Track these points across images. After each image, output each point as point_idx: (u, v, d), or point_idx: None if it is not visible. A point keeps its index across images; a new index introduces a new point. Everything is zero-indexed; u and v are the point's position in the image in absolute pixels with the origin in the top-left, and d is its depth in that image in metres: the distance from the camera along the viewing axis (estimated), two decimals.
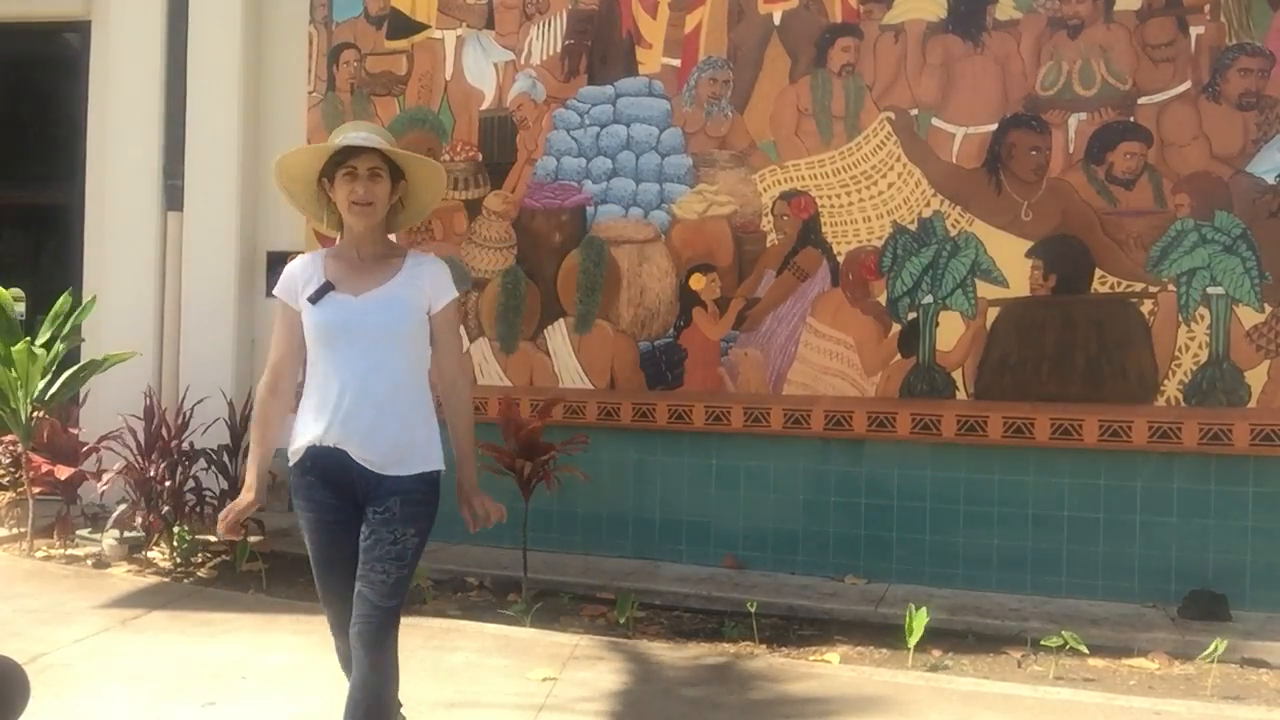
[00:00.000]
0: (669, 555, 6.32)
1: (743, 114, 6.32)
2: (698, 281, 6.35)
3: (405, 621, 4.99)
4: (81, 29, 8.08)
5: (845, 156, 6.14)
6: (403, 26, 7.03)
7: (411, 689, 4.08)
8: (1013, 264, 5.81)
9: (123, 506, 6.18)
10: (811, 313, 6.14)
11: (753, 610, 5.01)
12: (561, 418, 6.15)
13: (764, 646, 4.93)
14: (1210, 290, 5.54)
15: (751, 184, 6.28)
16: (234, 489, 6.36)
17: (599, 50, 6.63)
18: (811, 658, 4.79)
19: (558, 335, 6.62)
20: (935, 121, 5.98)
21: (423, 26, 6.98)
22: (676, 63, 6.47)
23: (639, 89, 6.52)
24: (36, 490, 6.34)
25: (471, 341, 6.78)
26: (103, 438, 6.44)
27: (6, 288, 6.59)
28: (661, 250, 6.42)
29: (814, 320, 6.14)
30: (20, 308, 6.92)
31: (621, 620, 5.10)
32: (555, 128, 6.66)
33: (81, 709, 3.79)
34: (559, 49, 6.69)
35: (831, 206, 6.14)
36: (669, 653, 4.72)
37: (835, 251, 6.12)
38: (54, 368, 6.42)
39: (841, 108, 6.15)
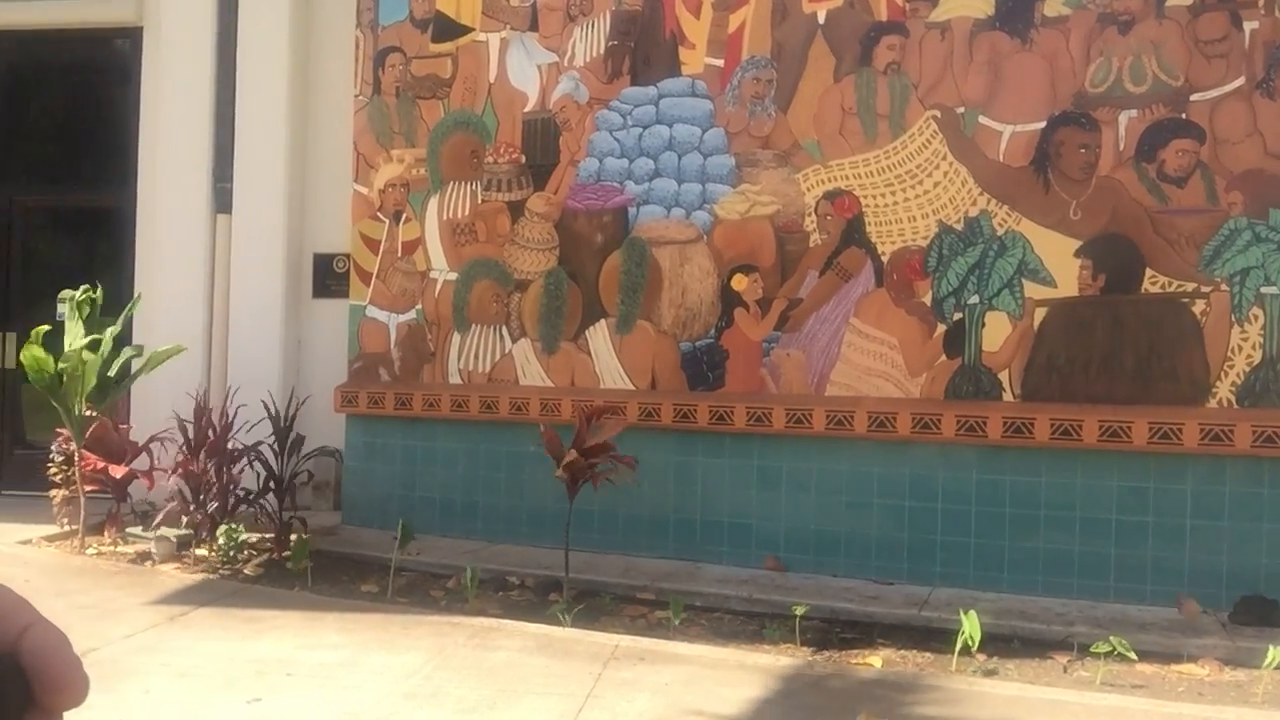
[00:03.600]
0: (710, 556, 6.30)
1: (786, 113, 6.28)
2: (740, 282, 6.32)
3: (447, 620, 5.05)
4: (133, 35, 8.24)
5: (890, 155, 6.08)
6: (447, 29, 7.08)
7: (452, 687, 4.11)
8: (1061, 263, 5.73)
9: (172, 504, 6.28)
10: (855, 313, 6.09)
11: (800, 614, 4.97)
12: (620, 424, 6.15)
13: (806, 649, 4.89)
14: (1264, 290, 5.42)
15: (795, 183, 6.24)
16: (278, 487, 6.45)
17: (642, 51, 6.63)
18: (854, 661, 4.74)
19: (599, 336, 6.63)
20: (982, 119, 5.91)
21: (467, 29, 7.03)
22: (720, 62, 6.45)
23: (682, 89, 6.52)
24: (88, 488, 6.47)
25: (514, 342, 6.81)
26: (152, 437, 6.54)
27: (62, 290, 6.73)
28: (703, 251, 6.41)
29: (857, 321, 6.09)
30: (62, 309, 7.04)
31: (678, 620, 5.08)
32: (598, 129, 6.67)
33: (130, 704, 3.85)
34: (602, 50, 6.70)
35: (876, 206, 6.09)
36: (710, 654, 4.70)
37: (879, 251, 6.07)
38: (107, 367, 6.55)
39: (886, 106, 6.09)
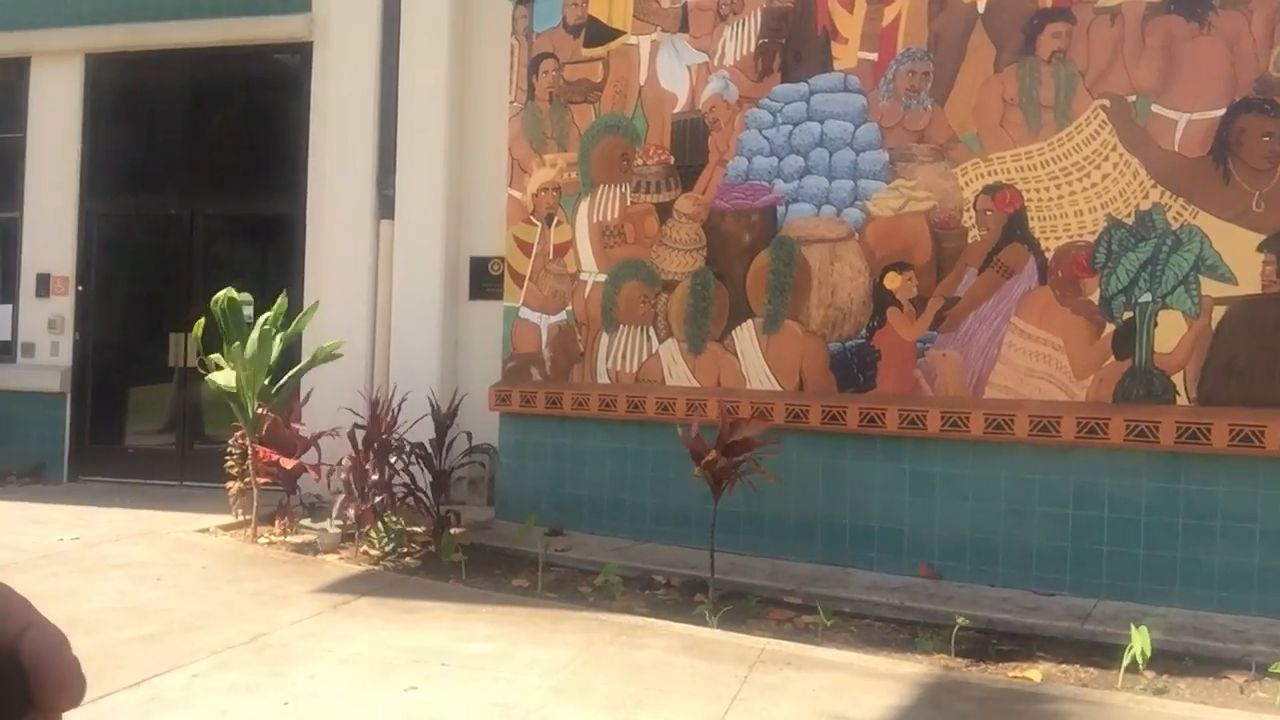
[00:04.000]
0: (859, 562, 6.16)
1: (943, 106, 6.09)
2: (893, 280, 6.16)
3: (594, 616, 5.10)
4: (304, 50, 8.67)
5: (1055, 147, 5.81)
6: (599, 34, 7.16)
7: (600, 683, 4.15)
8: (1242, 259, 5.34)
9: (340, 497, 6.57)
10: (1016, 312, 5.85)
11: (959, 624, 4.81)
12: (761, 424, 6.11)
13: (960, 660, 4.72)
14: None
15: (952, 178, 6.04)
16: (438, 482, 6.66)
17: (793, 48, 6.55)
18: (1011, 674, 4.55)
19: (746, 336, 6.58)
20: (1155, 108, 5.58)
21: (618, 33, 7.10)
22: (874, 56, 6.30)
23: (834, 85, 6.40)
24: (261, 480, 6.83)
25: (660, 343, 6.83)
26: (320, 433, 6.86)
27: (238, 293, 7.13)
28: (855, 249, 6.27)
29: (1019, 320, 5.84)
30: (248, 311, 7.46)
31: (829, 624, 4.99)
32: (747, 127, 6.62)
33: (297, 687, 4.03)
34: (752, 49, 6.65)
35: (1039, 200, 5.83)
36: (860, 661, 4.60)
37: (1043, 247, 5.80)
38: (279, 366, 6.91)
39: (1051, 96, 5.83)
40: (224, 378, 6.83)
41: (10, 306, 9.39)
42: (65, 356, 9.20)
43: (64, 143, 9.24)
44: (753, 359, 6.54)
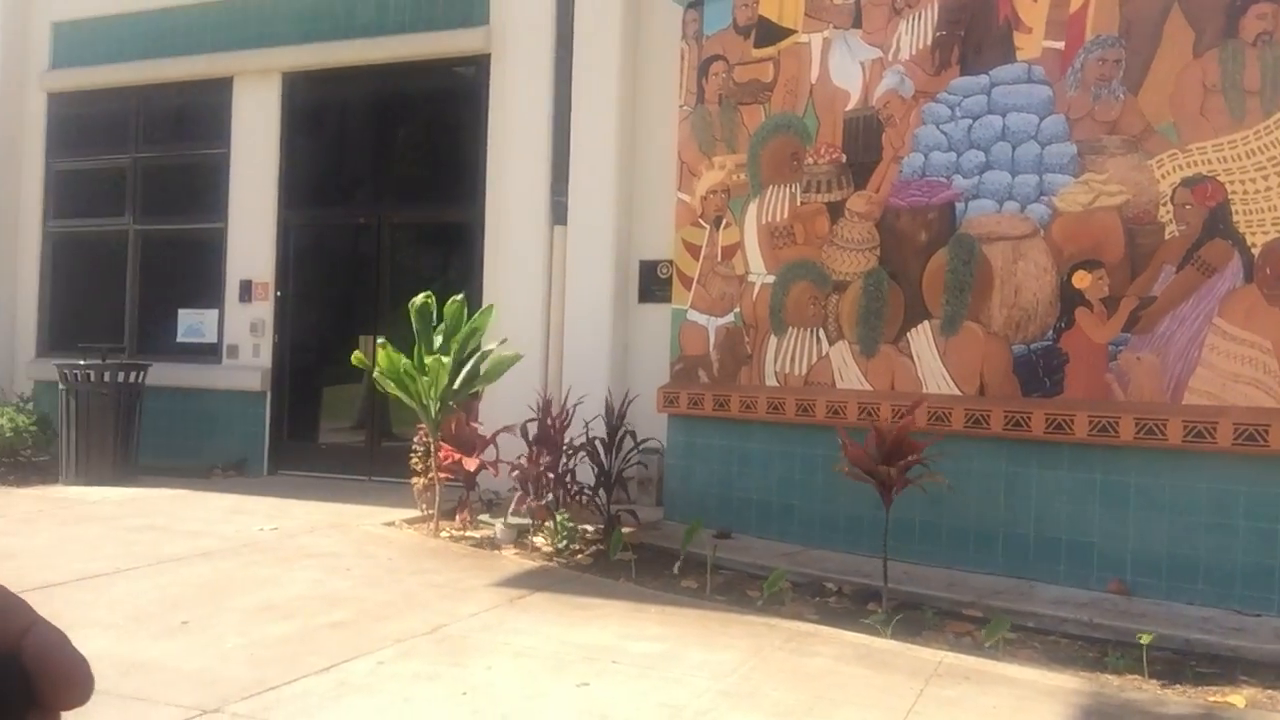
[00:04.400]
0: (1044, 575, 5.87)
1: (1137, 95, 5.74)
2: (1082, 279, 5.85)
3: (763, 621, 5.05)
4: (481, 63, 8.97)
5: (1261, 136, 5.39)
6: (770, 33, 7.11)
7: (769, 689, 4.10)
8: None
9: (516, 494, 6.75)
10: (1219, 312, 5.45)
11: (1147, 642, 4.52)
12: (925, 424, 5.93)
13: (1154, 682, 4.43)
14: None
15: (1147, 171, 5.69)
16: (608, 482, 6.76)
17: (973, 39, 6.32)
18: (1212, 698, 4.24)
19: (922, 338, 6.38)
20: None
21: (789, 32, 7.02)
22: (1060, 45, 6.01)
23: (1016, 76, 6.14)
24: (443, 476, 7.09)
25: (831, 345, 6.71)
26: (498, 432, 7.07)
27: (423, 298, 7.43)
28: (1040, 246, 5.99)
29: (1222, 321, 5.44)
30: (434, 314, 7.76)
31: (989, 642, 4.80)
32: (924, 123, 6.43)
33: (475, 677, 4.16)
34: (929, 42, 6.46)
35: (1244, 193, 5.41)
36: (1044, 680, 4.38)
37: (1249, 243, 5.39)
38: (457, 368, 7.16)
39: (1256, 81, 5.41)
40: (389, 369, 7.10)
41: (216, 311, 10.12)
42: (265, 358, 9.83)
43: (263, 157, 9.87)
44: (929, 362, 6.34)
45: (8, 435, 9.21)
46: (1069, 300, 5.88)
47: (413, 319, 7.19)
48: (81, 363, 8.90)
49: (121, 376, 8.97)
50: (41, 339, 11.08)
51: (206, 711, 3.66)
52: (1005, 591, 5.64)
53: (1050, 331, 5.94)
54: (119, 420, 8.90)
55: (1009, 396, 6.04)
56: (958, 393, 6.21)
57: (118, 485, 8.65)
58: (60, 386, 8.92)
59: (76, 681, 0.50)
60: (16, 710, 0.49)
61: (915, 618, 5.22)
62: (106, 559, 5.96)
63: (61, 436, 8.93)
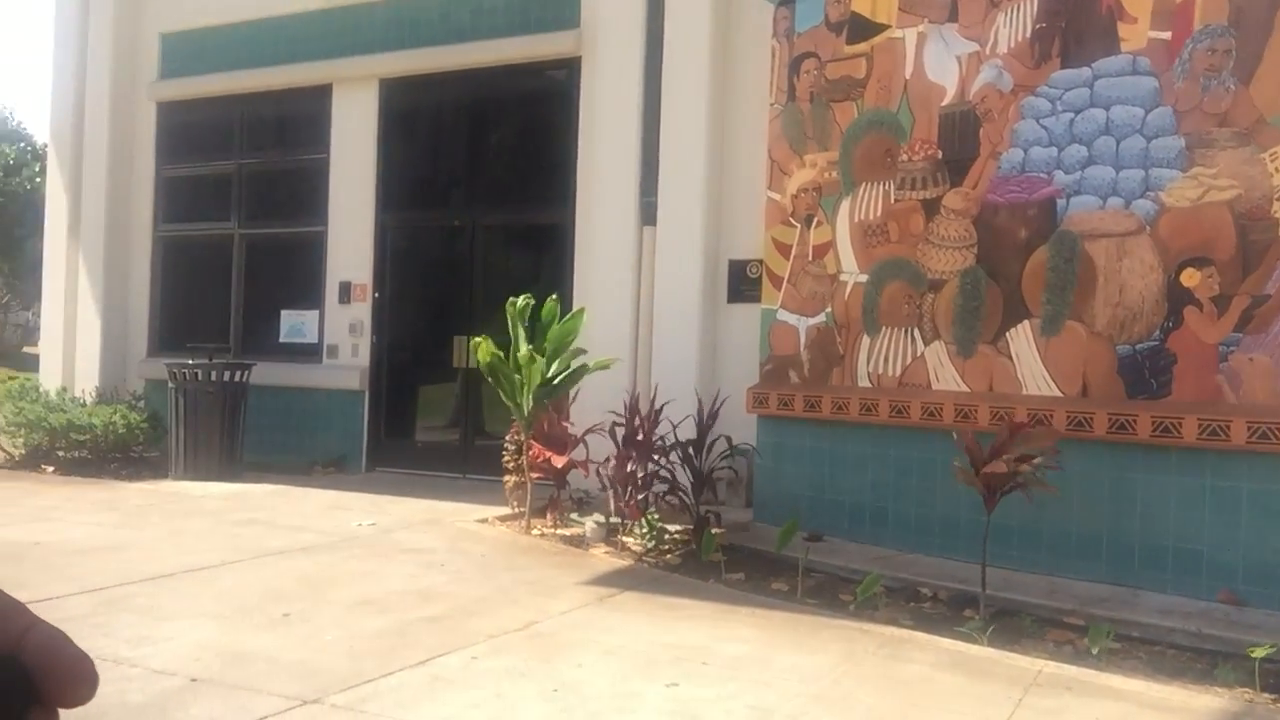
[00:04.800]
0: (1150, 584, 5.67)
1: (1248, 86, 5.50)
2: (1191, 277, 5.63)
3: (856, 626, 4.98)
4: (572, 65, 9.04)
5: None
6: (863, 29, 7.01)
7: (862, 695, 4.04)
8: None
9: (606, 493, 6.79)
10: None
11: (1260, 655, 4.33)
12: (1026, 425, 5.77)
13: (1266, 696, 4.24)
14: None
15: (1259, 164, 5.45)
16: (698, 482, 6.74)
17: (1074, 31, 6.13)
18: None
19: (1021, 338, 6.21)
20: None
21: (883, 27, 6.91)
22: (1166, 35, 5.79)
23: (1121, 68, 5.94)
24: (534, 475, 7.17)
25: (926, 345, 6.58)
26: (588, 431, 7.12)
27: (515, 298, 7.52)
28: (1146, 243, 5.78)
29: None
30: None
31: (1095, 649, 4.64)
32: (1023, 117, 6.26)
33: (565, 675, 4.19)
34: (1028, 34, 6.29)
35: None
36: (1149, 692, 4.22)
37: None
38: (550, 368, 7.23)
39: None
40: (490, 367, 7.19)
41: (317, 312, 10.40)
42: (364, 357, 10.08)
43: (361, 161, 10.12)
44: (1030, 362, 6.17)
45: (120, 432, 9.62)
46: (1177, 299, 5.67)
47: (510, 320, 7.27)
48: (190, 362, 9.24)
49: (227, 375, 9.29)
50: (152, 339, 11.54)
51: (306, 702, 3.75)
52: (1108, 599, 5.46)
53: (1157, 331, 5.73)
54: (225, 418, 9.21)
55: (1113, 398, 5.84)
56: (1059, 394, 6.03)
57: (223, 481, 8.96)
58: (170, 385, 9.27)
59: (83, 678, 0.51)
60: (17, 709, 0.49)
61: (1014, 625, 5.09)
62: (213, 552, 6.17)
63: (171, 433, 9.28)
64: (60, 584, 5.29)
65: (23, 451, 9.86)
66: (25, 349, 24.92)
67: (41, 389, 10.63)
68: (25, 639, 0.50)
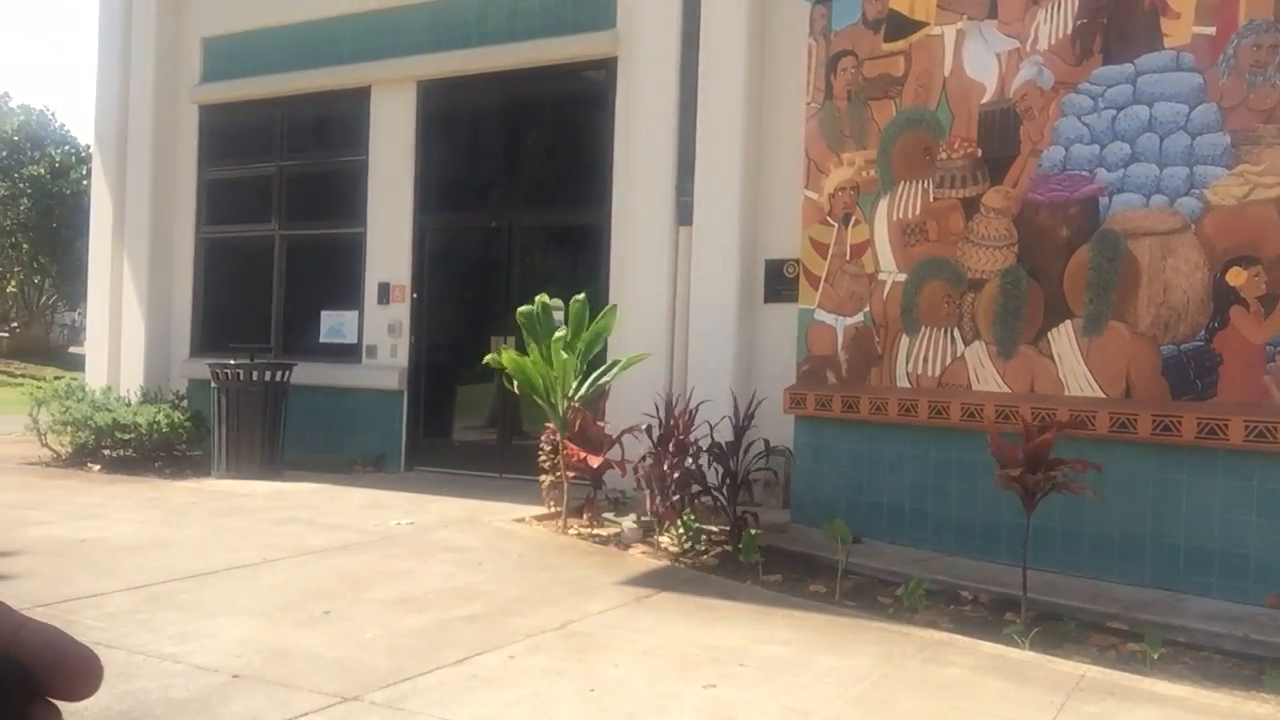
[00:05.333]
0: (1195, 588, 5.58)
1: None
2: (1237, 276, 5.53)
3: (895, 629, 4.94)
4: (608, 66, 9.05)
5: None
6: (900, 27, 6.96)
7: (901, 698, 4.01)
8: None
9: (643, 493, 6.79)
10: None
11: None
12: (1067, 427, 5.70)
13: None
14: None
15: None
16: (734, 483, 6.73)
17: (1116, 27, 6.05)
18: None
19: (1063, 338, 6.13)
20: None
21: (921, 24, 6.86)
22: (1211, 31, 5.70)
23: (1164, 64, 5.85)
24: (570, 475, 7.19)
25: (966, 345, 6.52)
26: (624, 431, 7.12)
27: (549, 298, 7.56)
28: (1190, 242, 5.69)
29: None
30: (558, 315, 7.87)
31: (1156, 654, 4.57)
32: (1064, 115, 6.18)
33: (602, 675, 4.20)
34: (1069, 31, 6.21)
35: None
36: (1195, 698, 4.16)
37: None
38: (584, 367, 7.26)
39: None
40: (516, 369, 7.22)
41: (356, 312, 10.49)
42: (402, 358, 10.16)
43: (399, 163, 10.20)
44: (1071, 363, 6.09)
45: (164, 431, 9.76)
46: (1223, 298, 5.57)
47: (531, 319, 7.29)
48: (232, 362, 9.36)
49: (269, 375, 9.40)
50: (194, 339, 11.71)
51: (346, 699, 3.79)
52: (1153, 604, 5.38)
53: (1202, 331, 5.64)
54: (266, 417, 9.32)
55: (1157, 400, 5.76)
56: (1102, 395, 5.95)
57: (265, 479, 9.07)
58: (212, 385, 9.40)
59: (89, 671, 0.51)
60: (18, 708, 0.49)
61: (1056, 629, 5.02)
62: (254, 550, 6.25)
63: (213, 432, 9.40)
64: (105, 580, 5.38)
65: (69, 450, 10.04)
66: (71, 349, 25.38)
67: (87, 388, 10.81)
68: (20, 637, 0.50)
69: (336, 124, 10.82)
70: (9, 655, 0.49)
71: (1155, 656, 4.55)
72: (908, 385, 6.79)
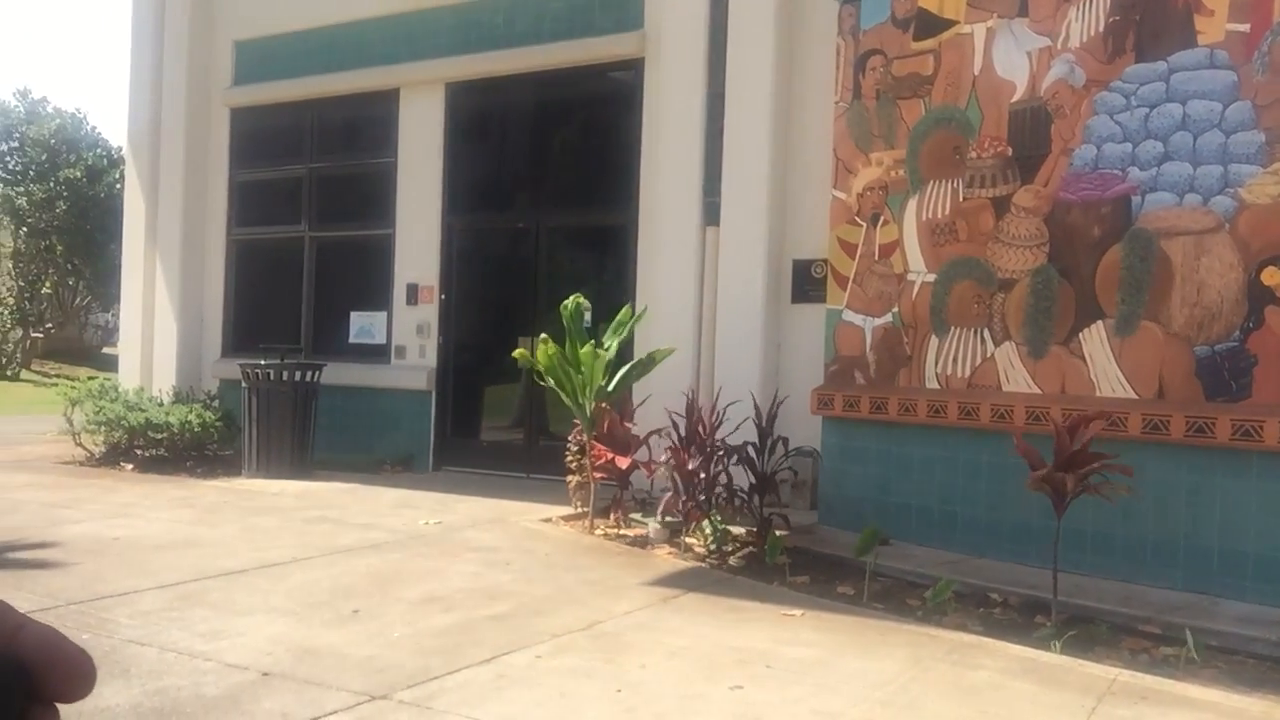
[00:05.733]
0: (1230, 592, 5.50)
1: None
2: (1273, 276, 5.45)
3: (923, 631, 4.91)
4: (635, 67, 9.05)
5: None
6: (930, 25, 6.91)
7: (929, 701, 3.99)
8: None
9: (668, 494, 6.79)
10: None
11: None
12: (1100, 429, 5.63)
13: None
14: None
15: None
16: (761, 484, 6.70)
17: (1149, 24, 5.98)
18: None
19: (1095, 338, 6.07)
20: None
21: (951, 23, 6.81)
22: (1245, 28, 5.62)
23: (1197, 61, 5.78)
24: (597, 475, 7.19)
25: (996, 346, 6.47)
26: (651, 432, 7.12)
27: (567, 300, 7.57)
28: (1225, 241, 5.62)
29: None
30: (587, 316, 7.87)
31: (1197, 657, 4.51)
32: (1096, 113, 6.12)
33: (629, 675, 4.20)
34: (1101, 28, 6.15)
35: None
36: (1228, 701, 4.10)
37: None
38: (612, 368, 7.26)
39: None
40: (548, 367, 7.24)
41: (385, 313, 10.56)
42: (430, 358, 10.21)
43: (427, 165, 10.25)
44: (1103, 364, 6.03)
45: (196, 430, 9.86)
46: (1258, 298, 5.49)
47: (565, 320, 7.32)
48: (262, 362, 9.45)
49: (299, 376, 9.48)
50: (226, 340, 11.82)
51: (375, 698, 3.81)
52: (1186, 607, 5.31)
53: (1237, 332, 5.56)
54: (296, 417, 9.40)
55: (1191, 401, 5.69)
56: (1134, 396, 5.89)
57: (295, 479, 9.14)
58: (243, 385, 9.48)
59: (82, 674, 0.51)
60: (16, 708, 0.50)
61: (1087, 633, 4.97)
62: (284, 548, 6.30)
63: (244, 432, 9.49)
64: (138, 578, 5.44)
65: (103, 449, 10.16)
66: (105, 350, 25.70)
67: (120, 389, 10.94)
68: (19, 637, 0.50)
69: (365, 126, 10.89)
70: (8, 656, 0.50)
71: (1197, 658, 4.49)
72: (937, 386, 6.74)
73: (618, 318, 7.43)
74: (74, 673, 0.51)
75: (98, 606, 4.88)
